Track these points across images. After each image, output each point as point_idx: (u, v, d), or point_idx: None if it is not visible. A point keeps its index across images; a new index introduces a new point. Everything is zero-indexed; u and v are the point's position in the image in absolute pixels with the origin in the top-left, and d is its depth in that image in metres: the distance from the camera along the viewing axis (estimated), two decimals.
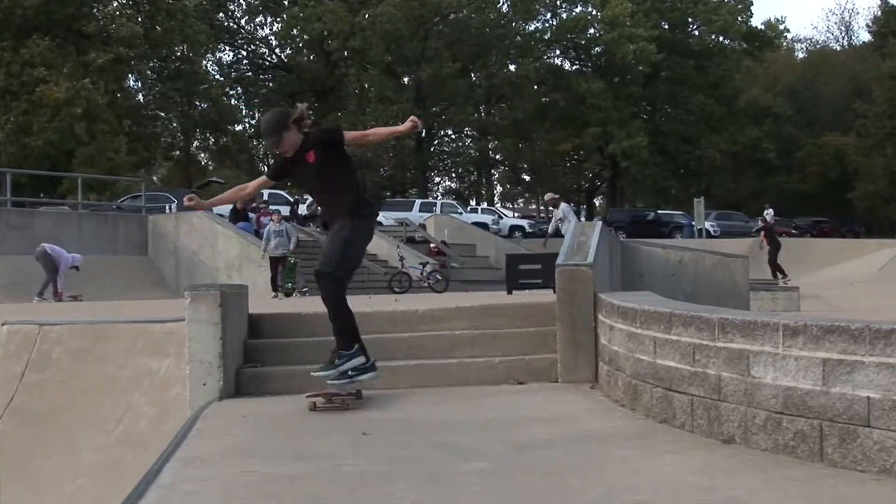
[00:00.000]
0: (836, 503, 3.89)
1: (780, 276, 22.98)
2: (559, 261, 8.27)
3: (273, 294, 17.92)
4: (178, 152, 51.08)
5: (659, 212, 45.10)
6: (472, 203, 53.35)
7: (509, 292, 13.62)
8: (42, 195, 30.25)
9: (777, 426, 4.68)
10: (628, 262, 13.33)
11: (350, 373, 6.14)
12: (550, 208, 21.61)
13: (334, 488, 4.29)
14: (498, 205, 59.07)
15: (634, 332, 6.29)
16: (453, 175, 59.65)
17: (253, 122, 50.58)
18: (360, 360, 6.16)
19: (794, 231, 40.13)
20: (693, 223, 34.88)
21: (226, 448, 5.31)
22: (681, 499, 4.00)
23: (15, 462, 8.32)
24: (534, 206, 62.95)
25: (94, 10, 35.71)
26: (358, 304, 7.69)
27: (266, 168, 54.39)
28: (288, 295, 18.10)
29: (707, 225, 36.53)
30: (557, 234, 16.85)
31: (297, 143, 6.05)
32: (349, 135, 6.24)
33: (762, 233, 24.07)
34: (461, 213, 35.19)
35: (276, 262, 18.48)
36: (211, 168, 53.92)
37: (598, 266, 8.18)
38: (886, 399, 4.13)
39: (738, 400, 5.00)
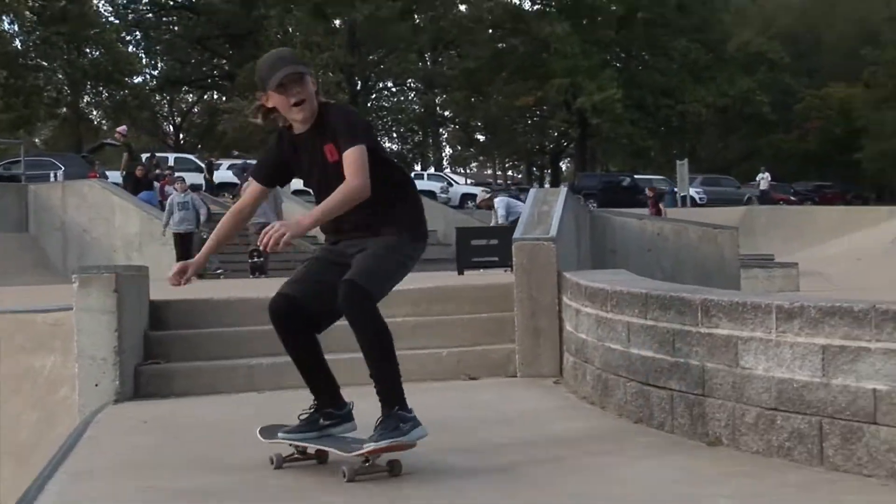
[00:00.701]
0: None
1: None
2: (517, 234, 7.79)
3: None
4: (64, 109, 44.67)
5: (636, 177, 40.58)
6: (418, 168, 49.72)
7: (460, 272, 12.88)
8: None
9: (770, 425, 4.44)
10: (599, 235, 12.48)
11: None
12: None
13: None
14: (447, 170, 53.28)
15: (605, 318, 6.00)
16: (394, 135, 53.37)
17: (155, 72, 46.10)
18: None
19: (792, 198, 37.27)
20: (675, 189, 32.09)
21: (123, 460, 4.85)
22: None
23: None
24: (490, 172, 57.79)
25: None
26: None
27: (171, 130, 49.97)
28: (200, 277, 16.85)
29: (692, 191, 34.03)
30: None
31: (313, 115, 3.98)
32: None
33: None
34: None
35: (181, 240, 16.93)
36: (105, 128, 46.63)
37: (562, 240, 7.71)
38: (895, 391, 3.83)
39: (725, 395, 4.76)
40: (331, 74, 39.39)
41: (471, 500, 3.96)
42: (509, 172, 56.51)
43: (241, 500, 3.98)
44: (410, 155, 53.98)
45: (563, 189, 9.78)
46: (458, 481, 4.20)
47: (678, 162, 34.05)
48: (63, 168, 25.51)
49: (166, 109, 47.83)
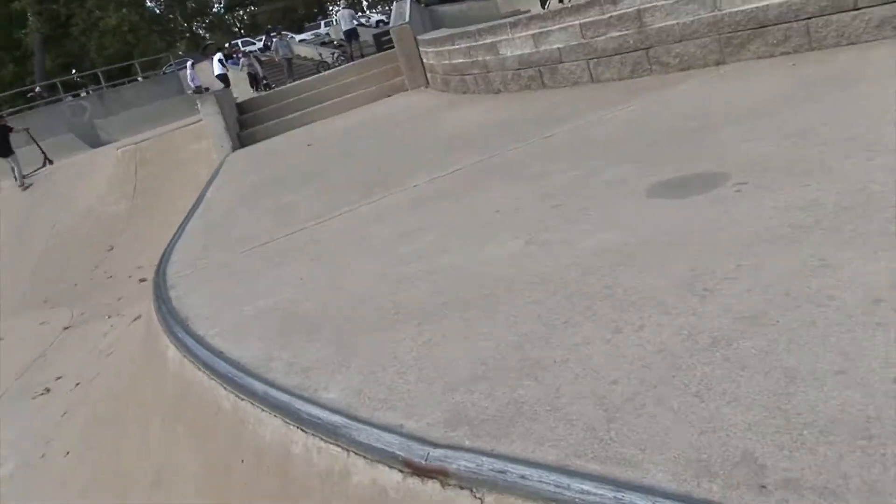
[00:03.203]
0: (552, 103, 7.24)
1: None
2: (390, 25, 12.76)
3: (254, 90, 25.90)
4: (187, 34, 68.44)
5: None
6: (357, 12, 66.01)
7: (379, 51, 19.82)
8: (124, 80, 39.62)
9: (518, 77, 8.41)
10: (434, 19, 19.14)
11: None
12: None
13: (294, 178, 8.06)
14: (367, 11, 74.48)
15: (438, 51, 10.38)
16: (339, 3, 75.74)
17: (221, 4, 73.61)
18: None
19: None
20: None
21: (237, 174, 9.61)
22: (473, 121, 7.67)
23: (146, 217, 13.96)
24: (389, 9, 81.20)
25: None
26: (299, 82, 12.94)
27: (237, 30, 69.48)
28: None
29: None
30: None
31: None
32: None
33: None
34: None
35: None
36: (206, 37, 68.58)
37: (413, 22, 12.45)
38: (566, 46, 7.67)
39: (496, 68, 8.79)
40: None
41: (393, 141, 8.10)
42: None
43: (286, 176, 8.07)
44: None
45: (408, 1, 14.58)
46: (388, 137, 8.52)
47: None
48: (192, 61, 35.68)
49: (232, 21, 72.67)
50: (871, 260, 2.26)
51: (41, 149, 21.12)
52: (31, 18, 51.15)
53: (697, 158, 3.90)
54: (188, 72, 30.07)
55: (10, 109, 31.58)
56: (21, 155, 20.05)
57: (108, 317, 10.60)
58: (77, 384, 7.85)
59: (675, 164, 3.91)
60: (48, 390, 8.23)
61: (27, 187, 19.54)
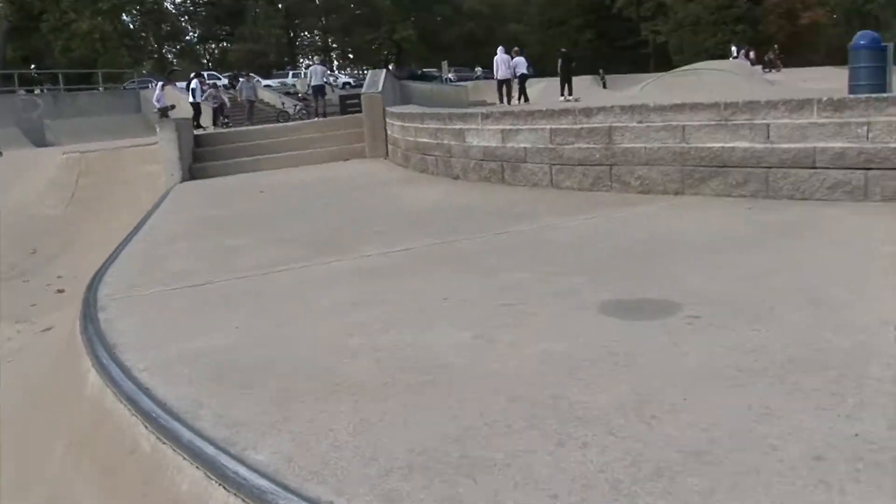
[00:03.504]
0: (510, 200, 7.28)
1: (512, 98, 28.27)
2: (363, 91, 12.97)
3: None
4: (155, 56, 76.83)
5: (423, 70, 64.29)
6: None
7: (342, 113, 21.30)
8: (82, 85, 42.70)
9: (480, 167, 8.55)
10: (405, 94, 20.24)
11: None
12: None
13: (242, 221, 8.04)
14: (336, 72, 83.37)
15: (405, 126, 10.49)
16: (310, 57, 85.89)
17: (195, 35, 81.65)
18: None
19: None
20: (442, 75, 52.22)
21: (183, 205, 9.49)
22: (431, 201, 7.76)
23: (78, 227, 13.73)
24: (357, 72, 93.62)
25: None
26: (259, 127, 13.26)
27: (206, 62, 76.74)
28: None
29: (450, 75, 54.82)
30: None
31: None
32: None
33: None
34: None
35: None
36: (174, 63, 78.08)
37: (385, 93, 12.71)
38: (533, 147, 7.81)
39: (460, 156, 8.92)
40: (278, 31, 75.51)
41: (348, 203, 8.14)
42: (366, 72, 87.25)
43: (232, 221, 7.99)
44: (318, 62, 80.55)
45: (384, 71, 15.04)
46: (343, 198, 8.59)
47: (443, 62, 57.23)
48: (155, 82, 38.98)
49: (203, 52, 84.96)
50: (814, 416, 2.31)
51: None
52: (1, 4, 51.36)
53: (651, 283, 3.97)
54: (156, 92, 30.31)
55: None
56: None
57: (17, 322, 10.21)
58: None
59: (628, 284, 3.98)
60: None
61: None
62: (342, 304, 4.02)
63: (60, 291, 11.72)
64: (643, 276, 4.14)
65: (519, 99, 27.42)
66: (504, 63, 27.31)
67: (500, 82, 27.57)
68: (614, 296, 3.79)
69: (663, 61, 65.33)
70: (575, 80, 34.98)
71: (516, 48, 29.39)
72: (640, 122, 6.82)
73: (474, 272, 4.49)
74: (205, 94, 29.09)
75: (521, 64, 28.08)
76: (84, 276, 11.68)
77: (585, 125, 7.23)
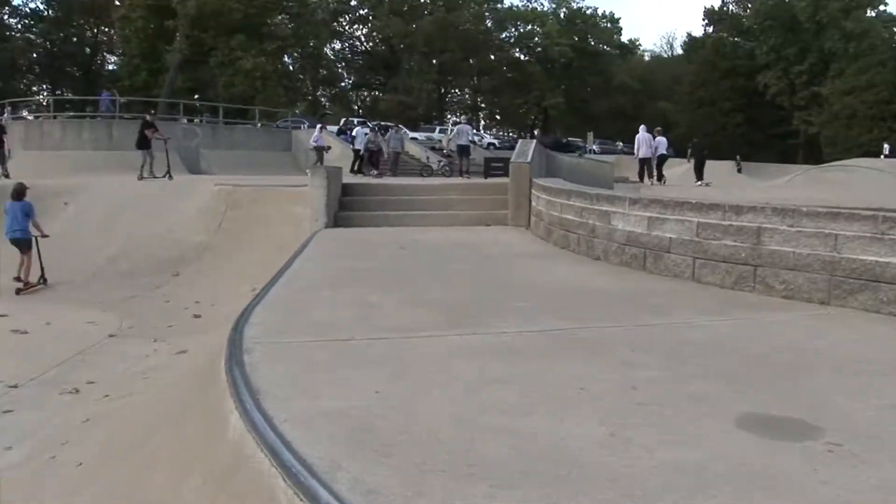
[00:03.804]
0: (648, 291, 7.00)
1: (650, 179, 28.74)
2: (512, 159, 13.16)
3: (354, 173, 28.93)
4: (309, 98, 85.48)
5: (569, 139, 69.61)
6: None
7: (485, 177, 22.71)
8: (239, 119, 48.60)
9: (622, 251, 8.51)
10: (550, 163, 20.38)
11: None
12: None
13: (383, 276, 8.01)
14: (482, 131, 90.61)
15: (550, 200, 10.56)
16: (458, 114, 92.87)
17: (350, 82, 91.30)
18: None
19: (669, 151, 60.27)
20: (586, 146, 55.96)
21: (326, 253, 9.83)
22: (570, 281, 7.69)
23: (221, 256, 14.67)
24: (502, 133, 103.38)
25: (268, 21, 60.72)
26: (403, 180, 15.18)
27: (356, 108, 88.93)
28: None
29: (594, 146, 58.72)
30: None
31: None
32: None
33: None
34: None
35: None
36: (326, 106, 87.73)
37: (533, 163, 12.87)
38: (678, 238, 7.63)
39: (603, 237, 8.88)
40: (430, 86, 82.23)
41: (484, 273, 8.17)
42: (510, 134, 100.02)
43: (376, 273, 8.19)
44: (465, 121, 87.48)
45: (534, 141, 15.20)
46: (479, 266, 8.70)
47: (588, 133, 62.86)
48: (307, 123, 46.89)
49: (354, 98, 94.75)
50: None
51: (168, 162, 22.74)
52: (178, 38, 54.86)
53: (790, 399, 3.89)
54: (315, 133, 32.40)
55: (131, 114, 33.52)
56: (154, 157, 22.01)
57: (154, 340, 10.72)
58: (106, 395, 7.89)
59: (766, 398, 3.91)
60: (77, 391, 8.28)
61: (143, 179, 21.26)
62: (478, 380, 4.10)
63: (197, 317, 12.25)
64: (782, 390, 4.05)
65: (659, 179, 27.42)
66: (646, 142, 27.53)
67: (642, 161, 27.68)
68: (752, 408, 3.72)
69: (813, 153, 64.28)
70: (715, 164, 36.25)
71: (658, 128, 29.50)
72: (791, 225, 6.67)
73: (609, 363, 4.50)
74: (366, 139, 30.42)
75: (661, 144, 28.22)
76: (220, 305, 12.16)
77: (734, 222, 7.13)
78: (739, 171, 46.04)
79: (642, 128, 28.24)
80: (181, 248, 16.13)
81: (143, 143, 22.81)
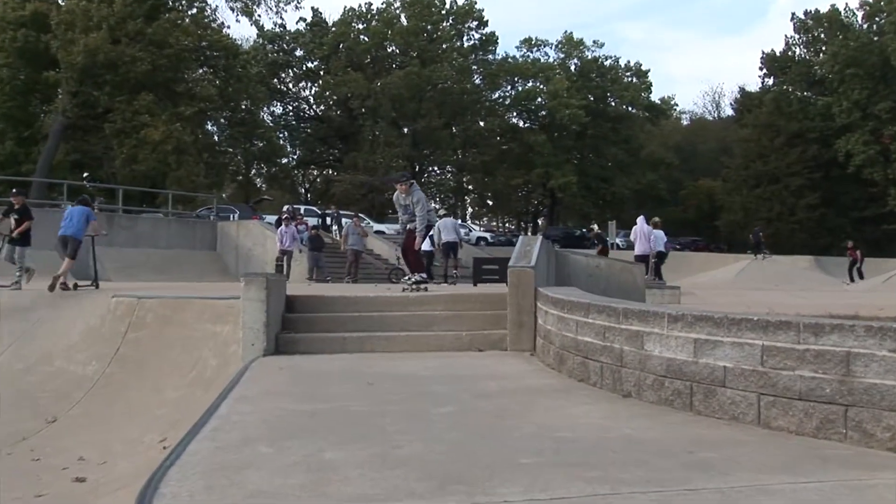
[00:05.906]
0: (696, 441, 6.54)
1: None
2: (510, 263, 13.27)
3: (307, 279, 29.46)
4: (240, 177, 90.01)
5: (583, 230, 73.07)
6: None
7: (475, 284, 24.12)
8: (143, 205, 50.59)
9: (661, 385, 8.24)
10: (560, 265, 20.56)
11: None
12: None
13: (343, 424, 7.53)
14: (469, 221, 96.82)
15: (563, 316, 10.52)
16: (438, 199, 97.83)
17: (294, 157, 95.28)
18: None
19: (677, 247, 63.10)
20: (607, 238, 54.96)
21: (266, 390, 9.55)
22: (592, 428, 7.17)
23: (117, 393, 14.11)
24: (495, 223, 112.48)
25: (184, 75, 63.33)
26: (364, 290, 15.08)
27: (303, 192, 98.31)
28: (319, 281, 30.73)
29: (617, 240, 59.97)
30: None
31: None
32: None
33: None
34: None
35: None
36: (263, 189, 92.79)
37: (538, 268, 13.01)
38: (737, 368, 7.32)
39: (634, 366, 8.68)
40: (400, 161, 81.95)
41: (476, 421, 7.63)
42: (507, 224, 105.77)
43: (333, 418, 7.90)
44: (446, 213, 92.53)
45: (540, 237, 15.33)
46: (470, 409, 8.28)
47: (609, 222, 63.88)
48: (238, 212, 48.69)
49: (300, 179, 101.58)
50: None
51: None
52: (61, 96, 53.75)
53: None
54: (286, 227, 33.85)
55: None
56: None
57: None
58: None
59: None
60: None
61: (14, 287, 21.19)
62: None
63: (80, 480, 11.75)
64: None
65: (654, 278, 28.28)
66: (644, 236, 27.97)
67: (637, 258, 28.25)
68: None
69: None
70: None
71: (656, 219, 30.21)
72: (893, 350, 6.54)
73: None
74: (303, 236, 30.31)
75: (659, 239, 28.72)
76: (115, 461, 11.83)
77: (812, 346, 7.02)
78: (758, 254, 59.36)
79: (640, 219, 29.04)
80: (61, 382, 15.56)
81: (25, 241, 22.93)
